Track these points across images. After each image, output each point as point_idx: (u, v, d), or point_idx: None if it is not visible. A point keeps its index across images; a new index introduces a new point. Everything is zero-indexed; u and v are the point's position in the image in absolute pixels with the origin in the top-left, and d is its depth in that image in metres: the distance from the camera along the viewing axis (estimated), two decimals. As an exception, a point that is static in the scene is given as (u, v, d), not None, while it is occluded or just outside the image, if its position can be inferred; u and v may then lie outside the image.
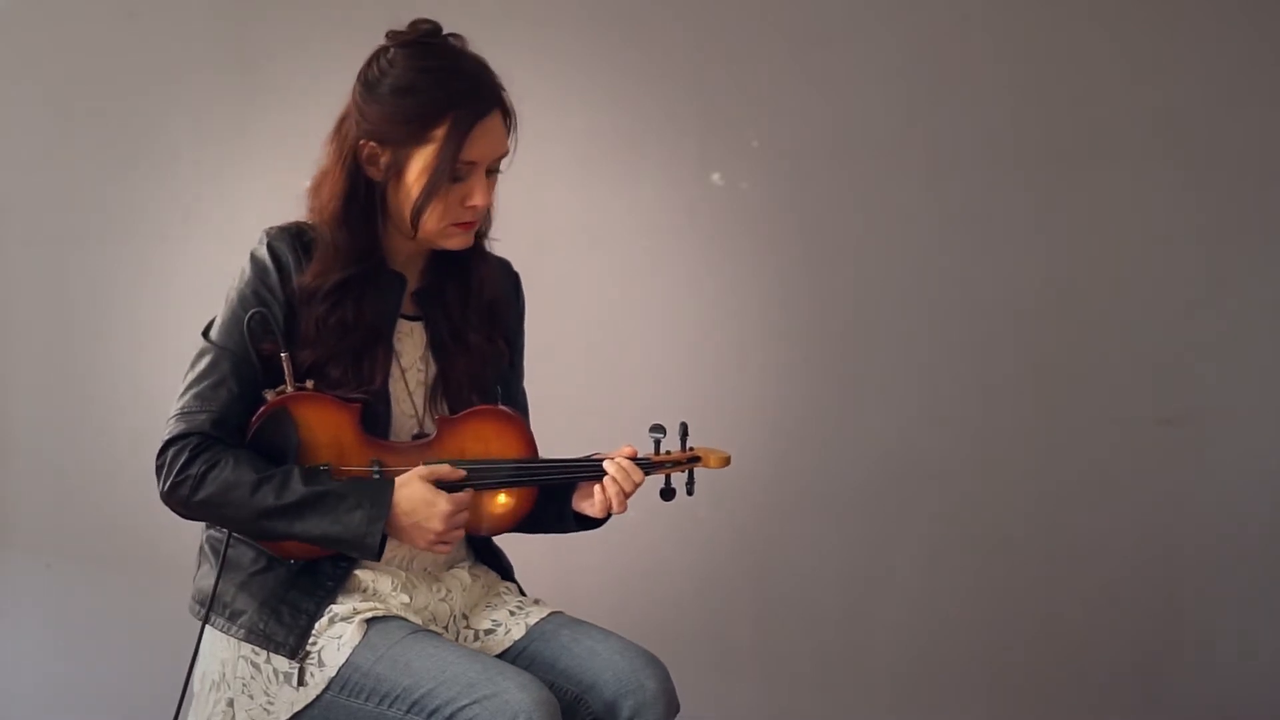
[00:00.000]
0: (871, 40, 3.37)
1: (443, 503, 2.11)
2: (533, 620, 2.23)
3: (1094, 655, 3.40)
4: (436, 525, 2.11)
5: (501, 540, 2.39)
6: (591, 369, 3.38)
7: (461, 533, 2.16)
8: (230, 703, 2.15)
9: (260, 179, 3.29)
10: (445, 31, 2.17)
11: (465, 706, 2.00)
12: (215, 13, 3.37)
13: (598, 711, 2.13)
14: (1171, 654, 3.40)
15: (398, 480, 2.12)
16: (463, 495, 2.14)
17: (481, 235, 2.28)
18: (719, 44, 3.39)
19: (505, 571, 2.37)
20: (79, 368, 3.42)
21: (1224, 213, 3.35)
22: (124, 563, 3.39)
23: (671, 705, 2.14)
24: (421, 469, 2.14)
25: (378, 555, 2.10)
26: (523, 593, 2.35)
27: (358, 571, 2.18)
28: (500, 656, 2.20)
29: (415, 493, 2.11)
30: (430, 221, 2.15)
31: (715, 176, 3.40)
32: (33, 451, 3.44)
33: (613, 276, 3.42)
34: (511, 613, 2.26)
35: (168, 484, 2.09)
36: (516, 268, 2.42)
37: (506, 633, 2.23)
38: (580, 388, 3.34)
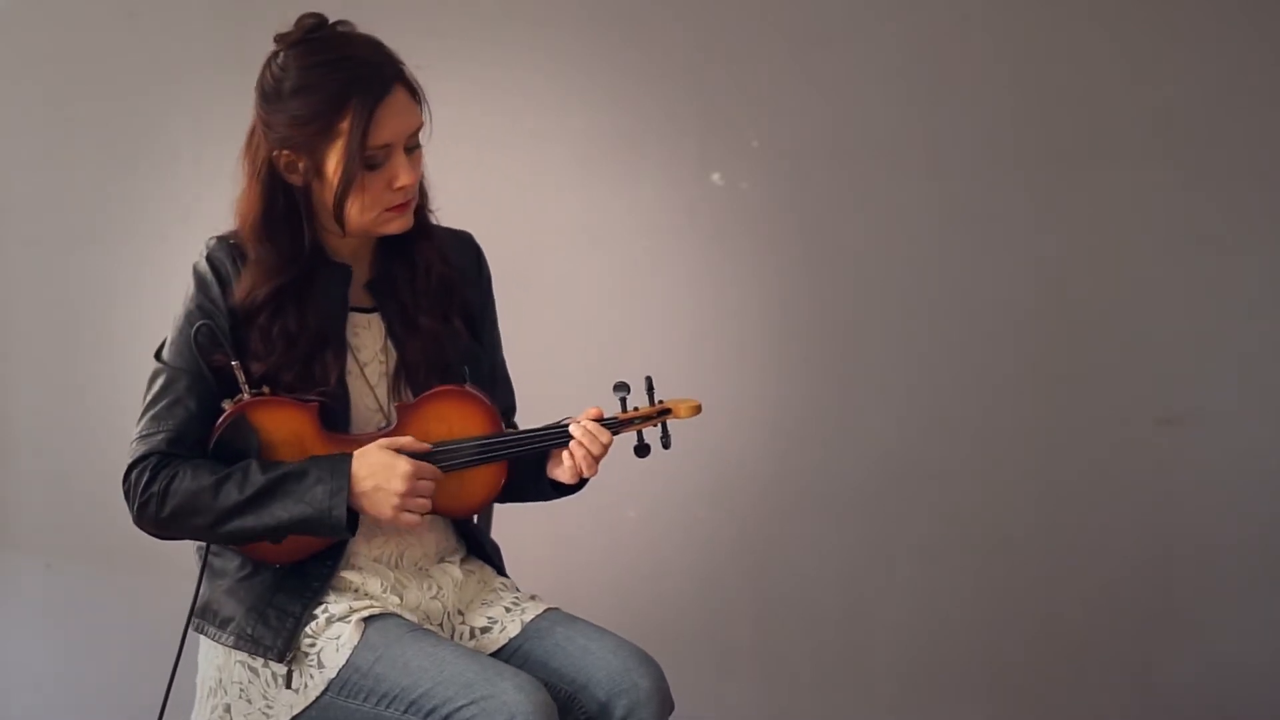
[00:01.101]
0: (871, 40, 3.37)
1: (402, 463, 2.09)
2: (528, 617, 2.23)
3: (1094, 655, 3.40)
4: (398, 485, 2.08)
5: (499, 537, 2.39)
6: (591, 369, 3.38)
7: (427, 502, 2.12)
8: (227, 708, 2.15)
9: (260, 179, 3.28)
10: (334, 20, 2.12)
11: (462, 707, 2.00)
12: (215, 13, 3.37)
13: (591, 711, 2.13)
14: (1171, 654, 3.40)
15: (356, 451, 2.11)
16: (427, 465, 2.12)
17: (421, 211, 2.23)
18: (719, 44, 3.39)
19: (498, 568, 2.35)
20: (79, 368, 3.42)
21: (1224, 213, 3.34)
22: (124, 563, 3.38)
23: (665, 704, 2.14)
24: (383, 439, 2.13)
25: (349, 529, 2.09)
26: (516, 588, 2.34)
27: (346, 573, 2.18)
28: (496, 654, 2.19)
29: (374, 458, 2.10)
30: (355, 213, 2.12)
31: (715, 176, 3.40)
32: (33, 451, 3.44)
33: (613, 276, 3.42)
34: (507, 609, 2.25)
35: (136, 506, 2.10)
36: (516, 267, 2.40)
37: (502, 630, 2.22)
38: (580, 388, 3.31)
